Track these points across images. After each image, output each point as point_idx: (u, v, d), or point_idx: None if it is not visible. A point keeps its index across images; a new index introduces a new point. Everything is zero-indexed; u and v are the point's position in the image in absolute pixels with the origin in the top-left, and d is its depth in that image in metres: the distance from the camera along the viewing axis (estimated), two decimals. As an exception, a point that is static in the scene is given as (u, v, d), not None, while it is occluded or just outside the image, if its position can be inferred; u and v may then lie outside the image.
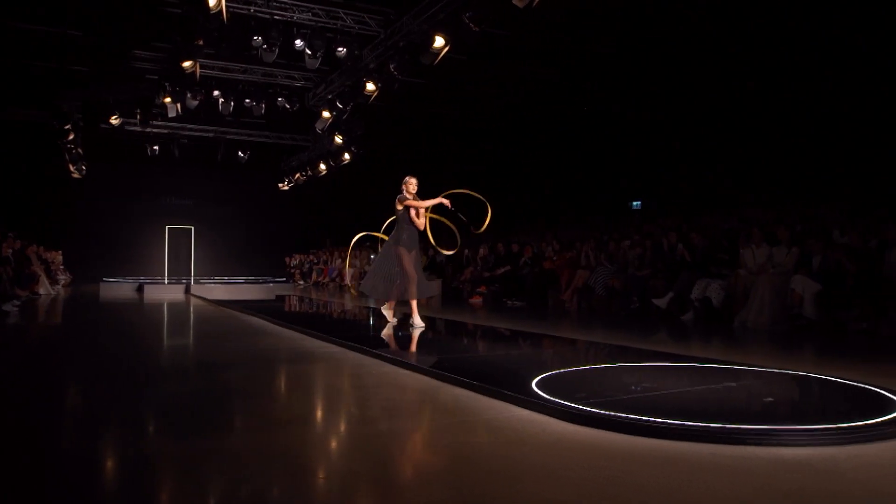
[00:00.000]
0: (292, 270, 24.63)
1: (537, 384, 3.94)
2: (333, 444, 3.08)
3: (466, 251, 14.51)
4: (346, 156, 18.59)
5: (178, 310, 11.78)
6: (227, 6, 9.95)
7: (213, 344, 7.12)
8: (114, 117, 15.36)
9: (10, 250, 13.19)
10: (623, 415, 3.08)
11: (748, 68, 11.25)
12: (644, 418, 3.01)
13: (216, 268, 24.75)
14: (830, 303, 7.49)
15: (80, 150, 18.04)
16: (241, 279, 20.27)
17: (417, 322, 7.20)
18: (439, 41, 10.21)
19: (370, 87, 12.63)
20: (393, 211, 7.41)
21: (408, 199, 7.19)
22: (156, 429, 3.42)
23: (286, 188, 23.84)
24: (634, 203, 15.97)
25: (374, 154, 19.98)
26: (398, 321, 7.61)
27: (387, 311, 7.68)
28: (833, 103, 10.31)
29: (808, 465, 2.56)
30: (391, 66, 11.71)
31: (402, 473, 2.64)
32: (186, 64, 11.50)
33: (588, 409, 3.24)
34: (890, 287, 6.94)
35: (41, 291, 14.62)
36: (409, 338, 6.67)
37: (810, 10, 9.68)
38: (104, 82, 15.35)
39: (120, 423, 3.45)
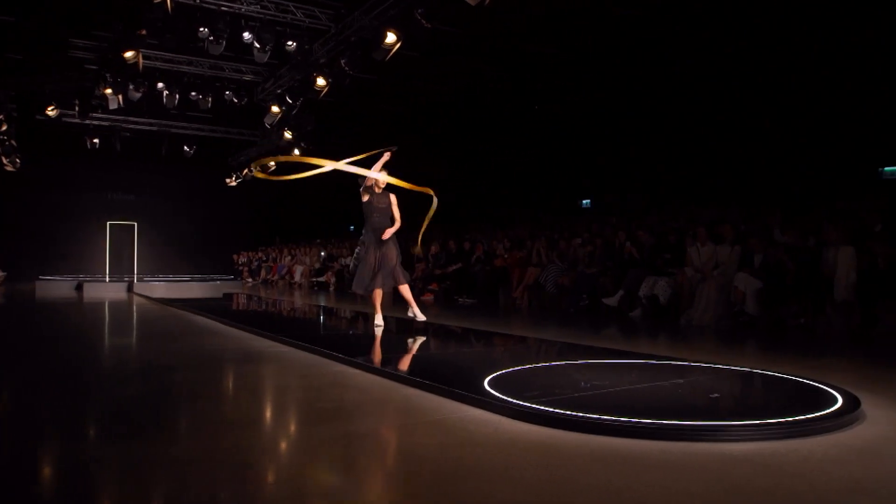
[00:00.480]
0: (240, 268, 24.18)
1: (489, 383, 3.94)
2: (282, 447, 3.01)
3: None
4: (296, 151, 18.30)
5: (121, 309, 11.41)
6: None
7: (157, 344, 6.91)
8: (50, 108, 14.77)
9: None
10: (575, 413, 3.10)
11: (695, 71, 11.51)
12: (596, 416, 3.04)
13: (160, 265, 24.12)
14: (771, 300, 7.74)
15: (13, 142, 17.29)
16: (187, 277, 19.79)
17: (378, 320, 7.05)
18: (391, 37, 10.15)
19: (321, 82, 12.47)
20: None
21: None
22: (97, 433, 3.29)
23: (234, 184, 23.36)
24: (584, 201, 16.20)
25: (325, 150, 19.75)
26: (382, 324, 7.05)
27: (377, 317, 7.10)
28: (775, 109, 10.64)
29: (752, 459, 2.62)
30: (342, 62, 11.59)
31: (351, 476, 2.59)
32: (128, 54, 11.13)
33: (540, 407, 3.25)
34: (826, 285, 7.20)
35: (-29, 290, 13.99)
36: (362, 337, 6.60)
37: (751, 13, 9.97)
38: (40, 71, 14.73)
39: (59, 429, 3.31)
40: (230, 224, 25.49)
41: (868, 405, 3.46)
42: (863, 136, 9.60)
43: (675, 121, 12.19)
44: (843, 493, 2.30)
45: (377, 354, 5.56)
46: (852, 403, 3.34)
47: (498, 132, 15.87)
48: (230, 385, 4.62)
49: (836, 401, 3.39)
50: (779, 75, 10.44)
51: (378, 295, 6.99)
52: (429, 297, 12.98)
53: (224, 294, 15.17)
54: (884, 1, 8.90)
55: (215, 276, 19.83)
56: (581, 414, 3.08)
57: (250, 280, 22.59)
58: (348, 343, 6.42)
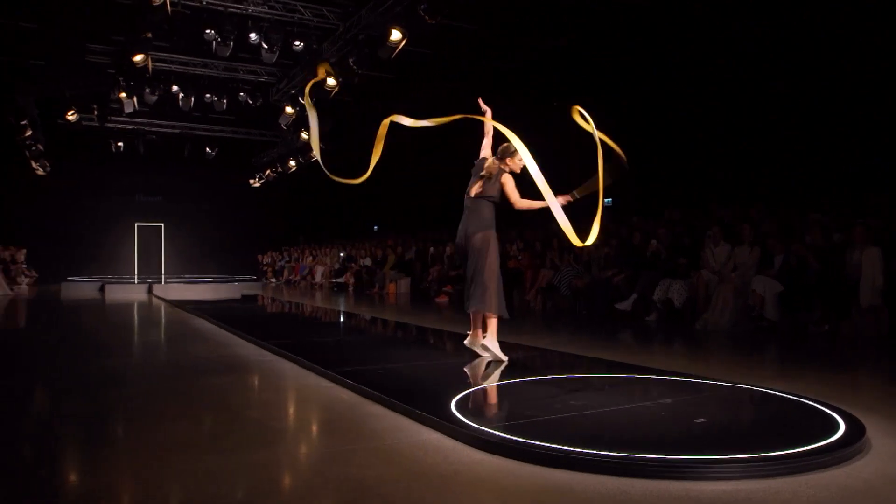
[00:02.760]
0: (265, 268, 24.22)
1: (459, 401, 3.63)
2: (205, 471, 2.71)
3: (432, 249, 14.21)
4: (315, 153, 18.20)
5: (130, 313, 11.33)
6: (173, -2, 9.60)
7: (139, 353, 6.74)
8: (70, 113, 14.87)
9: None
10: (531, 442, 2.78)
11: (716, 64, 11.01)
12: (553, 447, 2.71)
13: (188, 266, 24.30)
14: (792, 304, 7.26)
15: (40, 147, 17.48)
16: (209, 278, 19.85)
17: (497, 351, 5.00)
18: (396, 34, 9.89)
19: (331, 81, 12.27)
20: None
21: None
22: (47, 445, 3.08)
23: (258, 185, 23.42)
24: (606, 200, 15.70)
25: (345, 150, 19.62)
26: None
27: (491, 345, 5.02)
28: (798, 106, 10.08)
29: (724, 502, 2.27)
30: (350, 60, 11.37)
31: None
32: (137, 58, 11.08)
33: (497, 433, 2.94)
34: (851, 288, 6.71)
35: (-2, 292, 14.18)
36: (356, 346, 6.32)
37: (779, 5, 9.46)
38: (60, 76, 14.85)
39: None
40: (255, 224, 25.51)
41: (877, 433, 3.06)
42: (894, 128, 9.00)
43: (694, 119, 11.67)
44: (820, 550, 1.94)
45: (362, 364, 5.24)
46: (856, 433, 2.94)
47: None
48: (189, 399, 4.30)
49: (837, 428, 3.00)
50: (803, 68, 9.88)
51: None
52: (443, 300, 12.72)
53: (243, 295, 15.09)
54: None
55: (236, 277, 19.81)
56: (538, 443, 2.75)
57: (273, 280, 22.59)
58: (334, 352, 6.11)
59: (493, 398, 3.82)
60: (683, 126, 11.88)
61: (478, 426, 3.08)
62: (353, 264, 18.00)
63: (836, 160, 9.48)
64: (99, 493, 2.50)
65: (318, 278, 19.76)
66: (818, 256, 7.25)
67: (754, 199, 9.74)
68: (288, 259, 23.18)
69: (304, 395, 4.15)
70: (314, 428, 3.43)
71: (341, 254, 19.14)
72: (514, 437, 2.87)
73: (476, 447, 2.91)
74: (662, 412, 3.41)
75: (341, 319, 9.76)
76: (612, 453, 2.61)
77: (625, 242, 10.01)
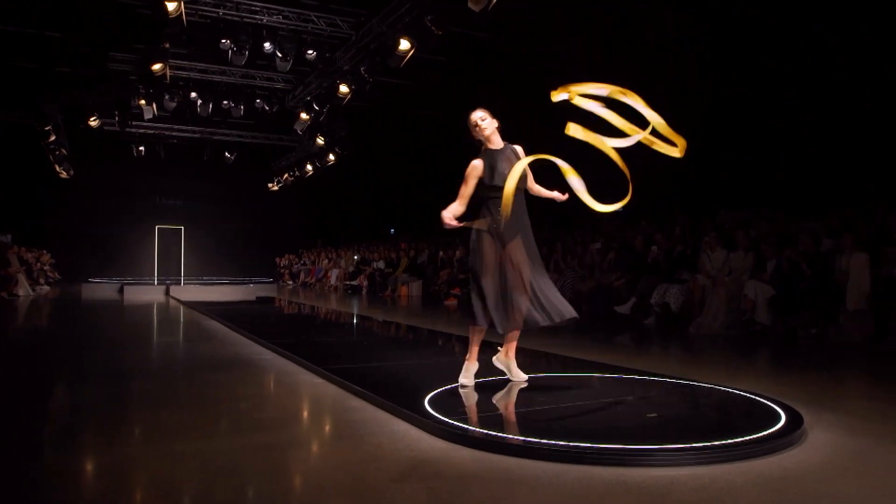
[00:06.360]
0: (282, 271, 24.66)
1: (434, 396, 3.88)
2: (179, 456, 2.99)
3: (442, 253, 14.46)
4: (331, 157, 18.58)
5: (146, 314, 11.73)
6: (190, 10, 9.98)
7: (149, 350, 7.08)
8: (92, 119, 15.37)
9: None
10: (482, 431, 3.04)
11: (719, 75, 11.13)
12: (498, 434, 2.98)
13: (207, 268, 24.74)
14: (782, 308, 7.41)
15: (64, 151, 18.06)
16: (226, 280, 20.30)
17: (517, 373, 4.30)
18: (405, 44, 10.17)
19: (343, 89, 12.60)
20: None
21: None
22: (49, 440, 3.39)
23: (276, 188, 23.87)
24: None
25: (361, 154, 19.98)
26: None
27: (502, 363, 4.39)
28: (796, 109, 10.19)
29: (643, 487, 2.49)
30: (362, 69, 11.69)
31: (222, 490, 2.59)
32: (156, 67, 11.50)
33: (455, 423, 3.19)
34: (839, 293, 6.85)
35: (20, 293, 14.67)
36: (349, 344, 6.56)
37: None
38: (84, 84, 15.38)
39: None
40: (273, 228, 25.93)
41: (821, 427, 3.27)
42: (887, 132, 9.06)
43: (702, 123, 11.78)
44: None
45: (350, 363, 5.51)
46: (790, 428, 3.14)
47: (526, 133, 15.70)
48: (186, 393, 4.59)
49: (777, 423, 3.21)
50: (801, 75, 9.99)
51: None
52: (452, 302, 12.96)
53: (257, 297, 15.46)
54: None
55: (253, 279, 20.25)
56: (489, 432, 3.01)
57: (290, 283, 22.99)
58: (331, 351, 6.37)
59: (468, 395, 4.06)
60: (692, 132, 11.99)
61: (442, 418, 3.33)
62: (366, 267, 18.32)
63: (832, 167, 9.60)
64: (113, 466, 2.79)
65: (332, 281, 20.11)
66: (809, 262, 7.40)
67: (755, 206, 9.87)
68: (304, 262, 23.58)
69: (292, 390, 4.43)
70: (295, 418, 3.70)
71: (355, 256, 19.47)
72: (470, 427, 3.12)
73: (439, 437, 3.16)
74: (619, 407, 3.63)
75: (347, 321, 10.06)
76: (550, 441, 2.85)
77: (628, 247, 10.18)
